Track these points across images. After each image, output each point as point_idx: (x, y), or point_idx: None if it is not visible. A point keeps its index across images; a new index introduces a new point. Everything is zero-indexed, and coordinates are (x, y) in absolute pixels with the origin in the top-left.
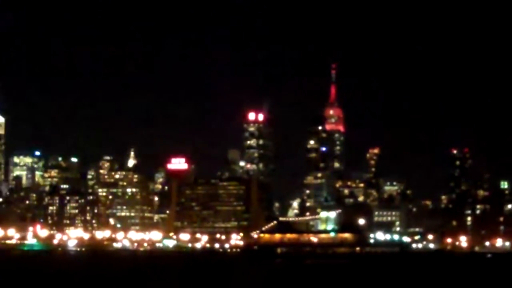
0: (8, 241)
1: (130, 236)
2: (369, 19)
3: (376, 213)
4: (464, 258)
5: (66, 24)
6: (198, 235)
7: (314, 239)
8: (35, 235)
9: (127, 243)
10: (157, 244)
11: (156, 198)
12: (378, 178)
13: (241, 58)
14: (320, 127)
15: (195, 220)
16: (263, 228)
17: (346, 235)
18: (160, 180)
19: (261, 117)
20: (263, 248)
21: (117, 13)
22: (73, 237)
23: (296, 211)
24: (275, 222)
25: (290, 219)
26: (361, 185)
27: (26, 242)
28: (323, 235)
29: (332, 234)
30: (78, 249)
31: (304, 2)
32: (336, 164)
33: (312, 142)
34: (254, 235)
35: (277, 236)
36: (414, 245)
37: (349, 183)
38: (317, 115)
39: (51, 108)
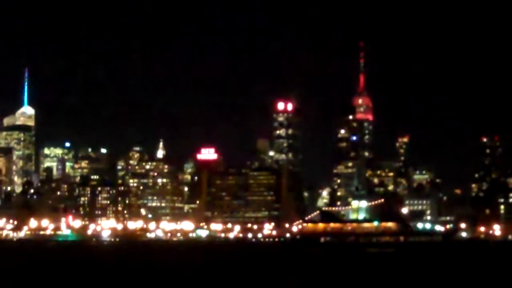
0: (42, 232)
1: (163, 226)
2: (397, 7)
3: (407, 202)
4: (500, 246)
5: (94, 16)
6: (229, 225)
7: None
8: (68, 225)
9: (160, 233)
10: (190, 234)
11: (185, 189)
12: (407, 167)
13: (269, 48)
14: (350, 117)
15: (226, 210)
16: (306, 218)
17: (390, 224)
18: (189, 170)
19: (290, 107)
20: (306, 238)
21: (149, 7)
22: (106, 227)
23: (325, 200)
24: (318, 211)
25: (334, 208)
26: (391, 174)
27: (60, 232)
28: (366, 224)
29: (375, 223)
30: (112, 239)
31: None
32: (366, 153)
33: (342, 131)
34: (295, 225)
35: (321, 225)
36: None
37: (378, 172)
38: (348, 105)
39: (80, 100)
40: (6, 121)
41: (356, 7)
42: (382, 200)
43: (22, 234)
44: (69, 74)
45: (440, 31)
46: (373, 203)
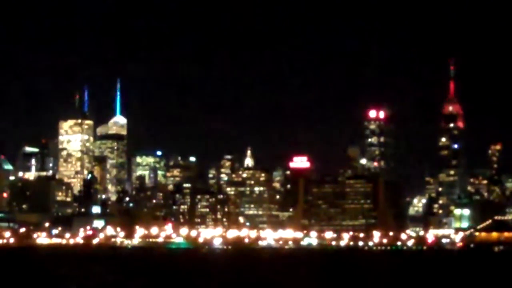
0: (153, 240)
1: (266, 234)
2: (487, 13)
3: (507, 210)
4: None
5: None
6: (327, 233)
7: None
8: (178, 233)
9: (272, 241)
10: (301, 242)
11: (277, 196)
12: (500, 174)
13: (361, 56)
14: (451, 124)
15: (323, 218)
16: (478, 227)
17: None
18: (278, 178)
19: (382, 114)
20: (480, 247)
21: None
22: (216, 235)
23: (416, 208)
24: (490, 220)
25: (507, 217)
26: (484, 182)
27: (172, 240)
28: None
29: None
30: (225, 247)
31: None
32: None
33: (443, 139)
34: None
35: (494, 234)
36: None
37: (472, 180)
38: (448, 113)
39: (170, 109)
40: (99, 130)
41: (446, 14)
42: None
43: (135, 241)
44: (158, 84)
45: None
46: (468, 211)
